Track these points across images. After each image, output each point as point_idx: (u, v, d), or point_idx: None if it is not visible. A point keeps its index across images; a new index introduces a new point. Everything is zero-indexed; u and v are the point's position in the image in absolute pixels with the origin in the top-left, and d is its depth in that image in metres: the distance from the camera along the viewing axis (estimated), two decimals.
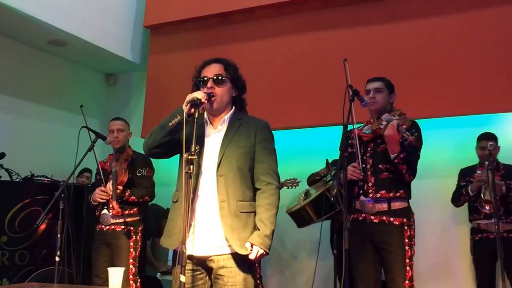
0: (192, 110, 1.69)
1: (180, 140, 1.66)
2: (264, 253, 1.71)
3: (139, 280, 2.99)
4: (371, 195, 2.32)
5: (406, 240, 2.25)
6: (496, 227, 2.53)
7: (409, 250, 2.25)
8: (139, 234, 3.01)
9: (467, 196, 2.93)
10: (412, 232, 2.29)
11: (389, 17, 3.54)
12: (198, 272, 1.76)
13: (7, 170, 3.35)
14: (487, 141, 2.92)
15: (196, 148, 1.61)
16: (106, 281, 2.53)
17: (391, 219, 2.29)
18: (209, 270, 1.77)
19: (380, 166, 2.33)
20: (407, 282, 2.21)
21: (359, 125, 2.48)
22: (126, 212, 2.96)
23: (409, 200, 2.38)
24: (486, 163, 2.78)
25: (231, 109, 1.89)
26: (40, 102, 4.19)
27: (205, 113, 1.87)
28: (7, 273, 3.05)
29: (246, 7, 3.97)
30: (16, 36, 3.91)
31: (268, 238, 1.72)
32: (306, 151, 3.75)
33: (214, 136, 1.83)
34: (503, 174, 2.92)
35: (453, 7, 3.36)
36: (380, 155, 2.34)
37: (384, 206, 2.30)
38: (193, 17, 4.19)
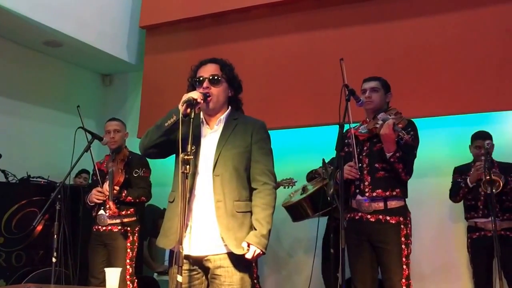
0: (188, 110, 1.68)
1: (176, 140, 1.66)
2: (261, 252, 1.72)
3: (136, 280, 2.99)
4: (367, 194, 2.33)
5: (403, 239, 2.26)
6: (496, 224, 2.54)
7: (406, 249, 2.26)
8: (136, 234, 3.01)
9: (466, 189, 2.92)
10: (408, 231, 2.30)
11: (385, 16, 3.55)
12: (194, 272, 1.76)
13: (3, 171, 3.34)
14: (483, 140, 2.93)
15: (192, 148, 1.61)
16: (103, 282, 2.54)
17: (388, 218, 2.30)
18: (205, 270, 1.77)
19: (376, 165, 2.34)
20: (403, 280, 2.22)
21: (355, 124, 2.49)
22: (123, 212, 2.96)
23: (406, 199, 2.39)
24: (483, 158, 2.79)
25: (227, 109, 1.89)
26: (36, 103, 4.18)
27: (201, 113, 1.87)
28: (4, 274, 3.04)
29: (241, 7, 3.98)
30: (12, 37, 3.90)
31: (265, 238, 1.72)
32: (303, 150, 3.76)
33: (210, 136, 1.84)
34: (498, 172, 2.93)
35: (447, 6, 3.37)
36: (376, 154, 2.35)
37: (381, 205, 2.31)
38: (188, 17, 4.19)
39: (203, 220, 1.74)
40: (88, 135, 2.92)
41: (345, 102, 2.19)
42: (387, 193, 2.31)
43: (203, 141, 1.82)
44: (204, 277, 1.78)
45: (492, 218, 2.54)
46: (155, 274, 3.97)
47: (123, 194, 2.92)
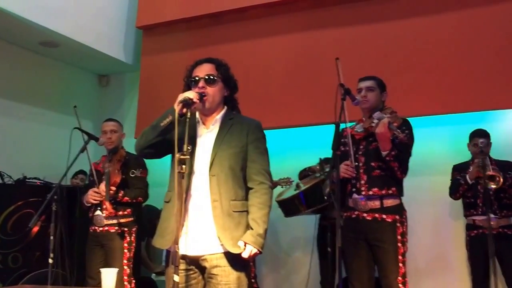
0: (184, 110, 1.69)
1: (172, 140, 1.67)
2: (258, 252, 1.72)
3: (133, 281, 2.99)
4: (363, 193, 2.34)
5: (399, 237, 2.27)
6: (490, 222, 2.55)
7: (402, 247, 2.27)
8: (133, 235, 3.00)
9: (466, 186, 2.93)
10: (404, 229, 2.31)
11: (381, 16, 3.56)
12: (191, 272, 1.76)
13: None
14: (479, 138, 2.94)
15: (189, 148, 1.61)
16: (100, 283, 2.53)
17: (384, 216, 2.30)
18: (202, 270, 1.77)
19: (372, 164, 2.35)
20: (400, 278, 2.23)
21: (351, 123, 2.50)
22: (120, 213, 2.96)
23: (402, 197, 2.40)
24: (481, 159, 2.80)
25: (223, 108, 1.89)
26: (32, 104, 4.16)
27: (197, 113, 1.87)
28: (1, 276, 3.03)
29: (238, 7, 3.98)
30: (8, 38, 3.89)
31: (261, 237, 1.73)
32: (300, 150, 3.77)
33: (207, 136, 1.84)
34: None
35: (446, 5, 3.38)
36: (372, 153, 2.36)
37: (377, 203, 2.32)
38: (185, 18, 4.19)
39: (200, 220, 1.74)
40: (84, 135, 2.91)
41: (341, 102, 2.19)
42: (383, 192, 2.32)
43: (199, 141, 1.82)
44: (201, 277, 1.78)
45: (487, 214, 2.55)
46: (153, 274, 3.97)
47: (120, 195, 2.92)
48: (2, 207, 3.11)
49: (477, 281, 2.95)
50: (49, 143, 4.10)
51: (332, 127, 2.19)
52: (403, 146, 2.29)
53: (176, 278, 1.53)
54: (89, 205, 2.98)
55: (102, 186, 2.87)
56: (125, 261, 2.93)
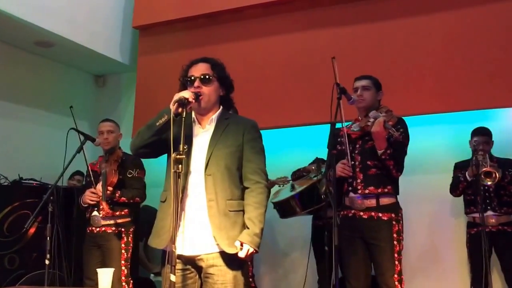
0: (180, 109, 1.69)
1: (167, 140, 1.66)
2: (254, 251, 1.72)
3: (131, 281, 2.98)
4: (359, 191, 2.35)
5: (395, 235, 2.28)
6: (484, 219, 2.55)
7: (398, 245, 2.28)
8: (131, 235, 3.00)
9: (465, 183, 2.94)
10: (400, 227, 2.32)
11: (378, 15, 3.56)
12: (188, 272, 1.77)
13: None
14: (475, 136, 2.95)
15: (184, 147, 1.61)
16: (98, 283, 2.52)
17: (380, 214, 2.32)
18: (199, 269, 1.77)
19: (369, 162, 2.36)
20: (396, 276, 2.24)
21: (348, 123, 2.51)
22: (117, 213, 2.95)
23: (398, 196, 2.41)
24: (481, 153, 2.82)
25: (219, 108, 1.89)
26: (28, 104, 4.15)
27: (193, 113, 1.87)
28: None
29: (234, 7, 3.98)
30: (2, 38, 3.87)
31: (257, 237, 1.73)
32: (297, 149, 3.77)
33: (202, 135, 1.84)
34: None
35: (444, 3, 3.38)
36: (369, 152, 2.37)
37: (373, 202, 2.33)
38: (182, 18, 4.18)
39: (195, 220, 1.74)
40: (80, 136, 2.91)
41: (336, 101, 2.20)
42: (379, 190, 2.33)
43: (195, 141, 1.83)
44: (197, 277, 1.78)
45: (481, 211, 2.56)
46: (152, 275, 3.96)
47: (117, 195, 2.91)
48: None
49: (476, 279, 2.95)
50: (45, 144, 4.09)
51: (328, 127, 2.20)
52: (398, 145, 2.31)
53: (173, 277, 1.53)
54: (86, 205, 2.97)
55: (99, 186, 2.87)
56: (122, 262, 2.93)
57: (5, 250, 3.10)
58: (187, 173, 1.75)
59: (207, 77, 1.82)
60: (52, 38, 3.86)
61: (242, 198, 1.80)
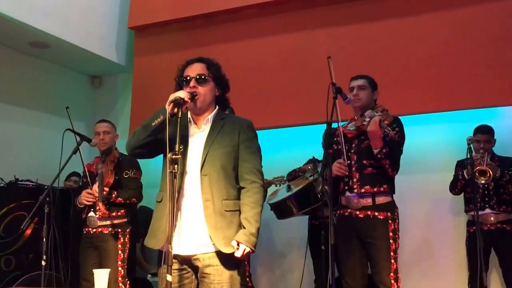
0: (175, 109, 1.69)
1: (163, 140, 1.66)
2: (250, 251, 1.73)
3: (128, 282, 2.98)
4: (355, 191, 2.36)
5: (391, 234, 2.30)
6: (474, 213, 2.58)
7: (394, 244, 2.29)
8: (127, 236, 2.99)
9: (463, 181, 2.95)
10: (396, 226, 2.34)
11: (374, 15, 3.57)
12: (184, 271, 1.77)
13: None
14: (482, 134, 2.96)
15: (180, 147, 1.61)
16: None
17: (376, 213, 2.33)
18: (195, 269, 1.77)
19: (365, 161, 2.37)
20: (392, 274, 2.26)
21: (344, 122, 2.52)
22: (113, 214, 2.95)
23: (393, 195, 2.42)
24: (481, 151, 2.82)
25: (215, 108, 1.89)
26: (24, 106, 4.13)
27: (189, 113, 1.87)
28: None
29: (230, 7, 3.98)
30: None
31: (254, 236, 1.73)
32: (294, 149, 3.77)
33: (198, 135, 1.84)
34: (498, 165, 2.93)
35: (441, 2, 3.38)
36: (364, 151, 2.38)
37: (369, 201, 2.34)
38: (178, 18, 4.18)
39: (192, 220, 1.74)
40: (76, 137, 2.90)
41: (332, 100, 2.21)
42: (375, 189, 2.34)
43: (191, 141, 1.83)
44: (194, 276, 1.79)
45: (476, 209, 2.56)
46: (149, 275, 3.95)
47: (113, 195, 2.91)
48: None
49: (474, 277, 2.96)
50: (42, 145, 4.07)
51: (324, 127, 2.20)
52: (394, 144, 2.32)
53: (169, 277, 1.53)
54: (82, 206, 2.97)
55: (95, 187, 2.86)
56: (119, 262, 2.92)
57: (1, 251, 3.08)
58: (183, 173, 1.75)
59: (202, 77, 1.82)
60: (47, 39, 3.84)
61: (238, 198, 1.80)
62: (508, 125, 3.29)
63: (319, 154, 3.04)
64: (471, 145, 2.74)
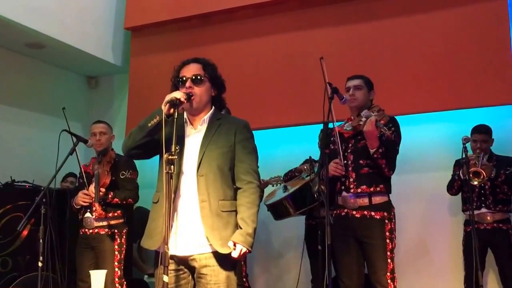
0: (172, 110, 1.69)
1: (159, 141, 1.66)
2: (247, 251, 1.73)
3: (124, 283, 2.97)
4: (352, 191, 2.37)
5: (387, 234, 2.30)
6: (470, 212, 2.59)
7: (390, 243, 2.30)
8: (124, 236, 2.99)
9: (459, 181, 2.96)
10: (393, 226, 2.34)
11: (369, 15, 3.59)
12: (181, 272, 1.77)
13: None
14: (479, 134, 2.97)
15: (177, 148, 1.62)
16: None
17: (372, 213, 2.33)
18: (192, 270, 1.77)
19: (361, 161, 2.37)
20: (388, 274, 2.26)
21: (340, 122, 2.52)
22: (110, 214, 2.95)
23: (390, 195, 2.42)
24: (478, 151, 2.82)
25: (211, 108, 1.90)
26: (20, 106, 4.12)
27: (185, 113, 1.87)
28: None
29: (226, 8, 3.98)
30: None
31: (250, 236, 1.73)
32: (291, 149, 3.78)
33: (194, 136, 1.84)
34: (495, 165, 2.95)
35: (435, 4, 3.39)
36: (361, 151, 2.38)
37: (365, 200, 2.35)
38: (174, 19, 4.18)
39: (188, 220, 1.74)
40: (73, 138, 2.90)
41: (328, 101, 2.21)
42: (371, 189, 2.34)
43: (187, 141, 1.83)
44: (190, 277, 1.79)
45: (472, 209, 2.58)
46: (146, 276, 3.95)
47: (110, 196, 2.91)
48: None
49: (470, 277, 2.97)
50: (38, 146, 4.06)
51: (320, 127, 2.21)
52: (390, 144, 2.32)
53: (166, 278, 1.53)
54: (78, 207, 2.96)
55: (92, 188, 2.86)
56: (116, 263, 2.92)
57: None
58: (179, 173, 1.75)
59: (198, 77, 1.82)
60: (43, 40, 3.83)
61: (235, 199, 1.80)
62: (507, 125, 3.31)
63: (315, 154, 3.05)
64: (466, 145, 2.75)
